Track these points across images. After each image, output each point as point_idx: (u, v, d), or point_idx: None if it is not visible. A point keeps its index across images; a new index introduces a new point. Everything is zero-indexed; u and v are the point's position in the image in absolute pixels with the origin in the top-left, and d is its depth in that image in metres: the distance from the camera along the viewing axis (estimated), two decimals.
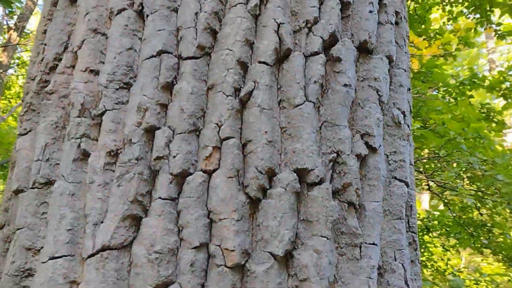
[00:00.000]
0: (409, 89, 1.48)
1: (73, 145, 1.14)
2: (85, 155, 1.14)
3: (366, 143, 1.20)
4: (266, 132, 1.10)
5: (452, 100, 6.18)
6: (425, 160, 5.47)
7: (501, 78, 6.11)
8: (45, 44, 1.34)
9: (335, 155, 1.15)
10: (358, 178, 1.15)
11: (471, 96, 6.63)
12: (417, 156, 5.73)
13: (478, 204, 5.96)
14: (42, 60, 1.33)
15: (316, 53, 1.21)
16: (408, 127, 1.37)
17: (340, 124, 1.16)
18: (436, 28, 6.85)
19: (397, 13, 1.44)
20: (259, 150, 1.09)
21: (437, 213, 6.63)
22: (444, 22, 6.98)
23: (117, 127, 1.14)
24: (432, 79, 5.63)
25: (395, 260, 1.21)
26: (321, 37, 1.22)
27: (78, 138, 1.14)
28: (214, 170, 1.09)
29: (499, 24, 6.44)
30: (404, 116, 1.34)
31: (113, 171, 1.12)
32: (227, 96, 1.13)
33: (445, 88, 5.77)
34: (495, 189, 5.07)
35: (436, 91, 6.11)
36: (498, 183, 4.37)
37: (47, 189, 1.17)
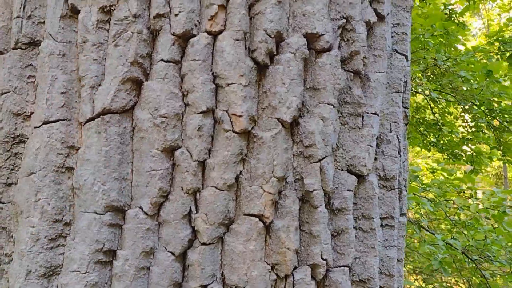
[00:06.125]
0: None
1: (59, 0, 1.02)
2: (74, 11, 1.02)
3: (375, 10, 1.15)
4: None
5: None
6: None
7: None
8: None
9: (344, 21, 1.10)
10: (366, 46, 1.12)
11: None
12: None
13: (432, 105, 6.23)
14: None
15: None
16: None
17: None
18: None
19: None
20: (268, 11, 1.01)
21: None
22: None
23: None
24: None
25: (391, 132, 1.23)
26: None
27: None
28: (220, 32, 1.01)
29: None
30: None
31: (107, 30, 1.02)
32: None
33: None
34: (452, 88, 5.26)
35: None
36: (457, 81, 4.51)
37: (32, 50, 1.06)
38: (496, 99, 4.92)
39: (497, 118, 5.45)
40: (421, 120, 6.82)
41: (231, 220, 1.01)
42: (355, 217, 1.13)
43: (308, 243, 1.05)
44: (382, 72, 1.16)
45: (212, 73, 1.01)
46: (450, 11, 6.51)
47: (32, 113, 1.04)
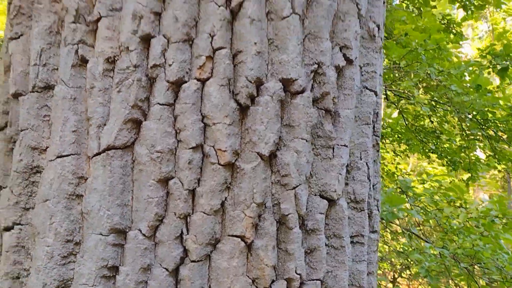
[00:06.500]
0: (384, 2, 1.56)
1: (70, 51, 1.19)
2: (83, 61, 1.20)
3: (344, 55, 1.31)
4: (255, 43, 1.18)
5: (415, 10, 6.27)
6: (385, 70, 5.67)
7: None
8: None
9: (316, 66, 1.26)
10: (336, 87, 1.28)
11: (434, 7, 6.73)
12: None
13: (430, 113, 6.38)
14: None
15: None
16: (381, 40, 1.48)
17: (322, 36, 1.26)
18: None
19: None
20: (248, 60, 1.18)
21: (390, 120, 7.04)
22: None
23: (113, 34, 1.18)
24: None
25: (361, 160, 1.40)
26: None
27: (75, 44, 1.18)
28: (208, 79, 1.18)
29: None
30: (379, 29, 1.45)
31: (112, 77, 1.19)
32: (219, 6, 1.19)
33: None
34: (447, 98, 5.42)
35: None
36: (451, 93, 4.66)
37: (47, 93, 1.23)
38: (489, 109, 5.06)
39: (491, 128, 5.59)
40: (420, 128, 6.96)
41: (217, 240, 1.17)
42: (327, 236, 1.29)
43: (284, 259, 1.21)
44: (351, 109, 1.33)
45: (201, 114, 1.18)
46: (448, 21, 6.67)
47: (47, 147, 1.21)
